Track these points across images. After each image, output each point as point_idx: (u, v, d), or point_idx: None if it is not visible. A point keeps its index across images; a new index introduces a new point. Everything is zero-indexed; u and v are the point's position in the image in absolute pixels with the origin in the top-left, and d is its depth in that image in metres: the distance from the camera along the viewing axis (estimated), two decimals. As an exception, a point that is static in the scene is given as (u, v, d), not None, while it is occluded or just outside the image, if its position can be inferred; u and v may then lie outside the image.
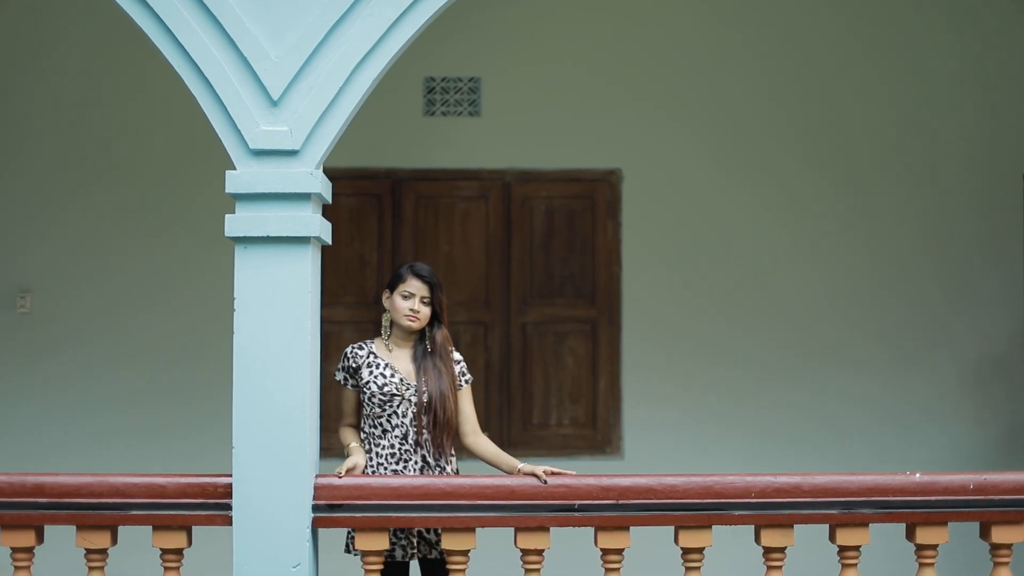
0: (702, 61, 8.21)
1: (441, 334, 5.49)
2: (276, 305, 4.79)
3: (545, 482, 4.86)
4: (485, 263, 7.98)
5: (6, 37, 8.06)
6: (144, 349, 7.99)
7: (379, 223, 8.11)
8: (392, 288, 5.50)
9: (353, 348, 5.51)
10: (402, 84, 8.11)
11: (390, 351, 5.47)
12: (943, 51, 8.28)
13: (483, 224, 8.14)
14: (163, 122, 8.08)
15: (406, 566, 5.45)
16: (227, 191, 4.79)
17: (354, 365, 5.44)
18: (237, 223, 4.78)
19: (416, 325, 5.43)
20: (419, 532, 5.29)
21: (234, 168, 4.81)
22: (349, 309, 7.99)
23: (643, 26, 8.21)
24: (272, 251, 4.79)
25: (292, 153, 4.81)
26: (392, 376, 5.38)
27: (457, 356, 5.54)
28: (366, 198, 8.08)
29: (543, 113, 8.15)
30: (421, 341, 5.50)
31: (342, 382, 5.50)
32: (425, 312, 5.45)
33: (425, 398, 5.35)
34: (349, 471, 5.01)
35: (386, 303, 5.51)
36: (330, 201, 5.07)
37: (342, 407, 5.53)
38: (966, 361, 8.22)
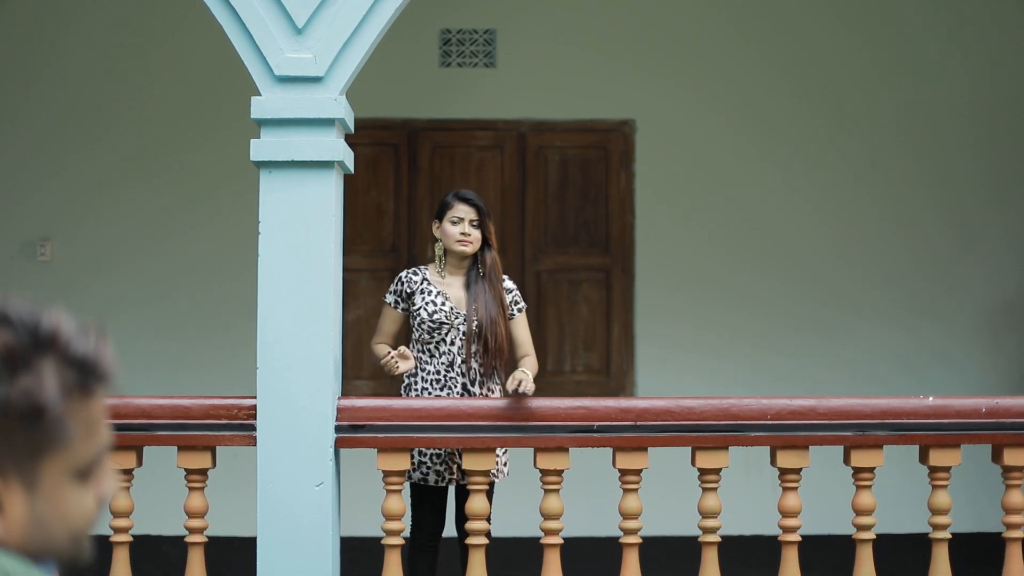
0: (716, 12, 8.27)
1: (491, 256, 5.54)
2: (300, 229, 4.87)
3: (517, 391, 4.95)
4: (500, 212, 8.05)
5: (26, -11, 8.14)
6: (167, 281, 8.04)
7: (395, 172, 8.18)
8: (440, 217, 5.56)
9: (408, 273, 5.57)
10: (418, 36, 8.17)
11: (443, 279, 5.53)
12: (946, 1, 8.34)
13: (498, 174, 8.21)
14: (180, 56, 8.13)
15: (443, 491, 5.54)
16: (252, 117, 4.86)
17: (408, 291, 5.50)
18: (262, 148, 4.86)
19: (469, 249, 5.48)
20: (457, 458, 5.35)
21: (259, 95, 4.90)
22: (366, 258, 8.06)
23: (657, -21, 8.27)
24: (296, 175, 4.88)
25: (316, 79, 4.89)
26: (443, 304, 5.45)
27: (509, 284, 5.61)
28: (383, 148, 8.15)
29: (557, 64, 8.22)
30: (473, 267, 5.56)
31: (392, 305, 5.56)
32: (476, 235, 5.50)
33: (475, 326, 5.42)
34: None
35: (436, 232, 5.58)
36: (352, 130, 5.15)
37: (382, 326, 5.60)
38: (978, 308, 8.28)
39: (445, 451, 5.43)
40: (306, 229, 4.88)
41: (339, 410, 4.90)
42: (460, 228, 5.47)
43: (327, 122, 4.88)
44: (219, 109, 8.00)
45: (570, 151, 8.25)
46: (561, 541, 4.96)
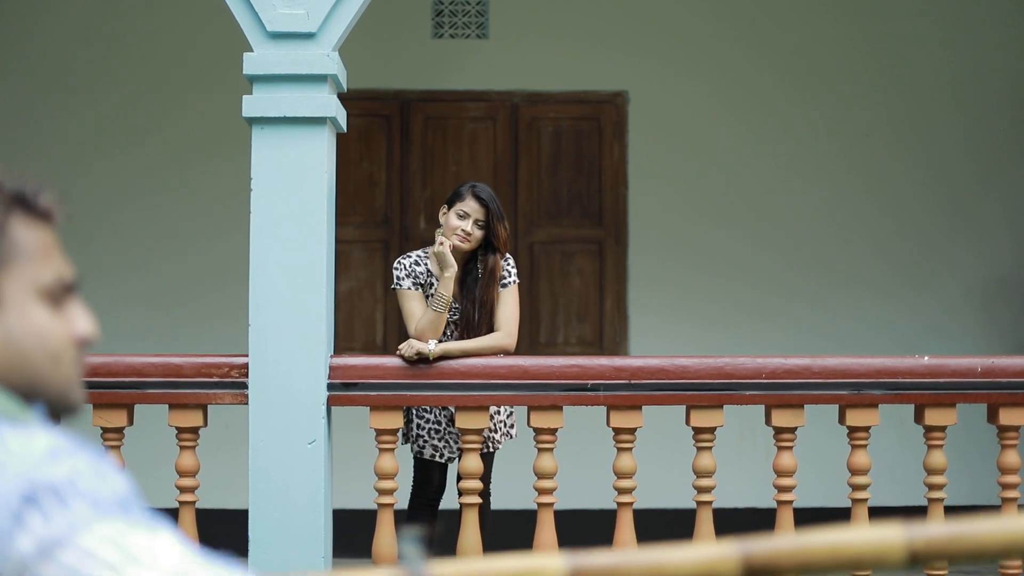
0: (709, -15, 8.25)
1: (493, 261, 5.32)
2: (292, 185, 4.84)
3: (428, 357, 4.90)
4: (493, 184, 8.00)
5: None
6: (156, 245, 7.97)
7: (388, 144, 8.15)
8: (450, 204, 5.36)
9: (414, 265, 5.37)
10: (411, 7, 8.14)
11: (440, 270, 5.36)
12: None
13: (491, 145, 8.18)
14: (170, 13, 8.06)
15: (444, 466, 5.51)
16: (245, 73, 4.83)
17: (422, 282, 5.37)
18: (254, 104, 4.83)
19: (465, 247, 5.28)
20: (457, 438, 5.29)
21: (251, 51, 4.86)
22: (358, 229, 8.03)
23: (650, -49, 8.24)
24: (289, 132, 4.84)
25: (309, 35, 4.86)
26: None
27: (507, 262, 5.43)
28: (375, 119, 8.12)
29: (550, 36, 8.18)
30: (472, 262, 5.39)
31: (412, 288, 5.32)
32: (477, 236, 5.29)
33: (463, 324, 5.32)
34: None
35: (441, 218, 5.37)
36: (345, 88, 5.11)
37: (413, 310, 5.27)
38: (972, 282, 8.26)
39: (445, 427, 5.40)
40: (298, 186, 4.85)
41: (331, 368, 4.87)
42: (463, 224, 5.29)
43: (320, 78, 4.85)
44: (209, 67, 7.93)
45: (563, 123, 8.22)
46: (555, 500, 4.94)
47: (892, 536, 1.46)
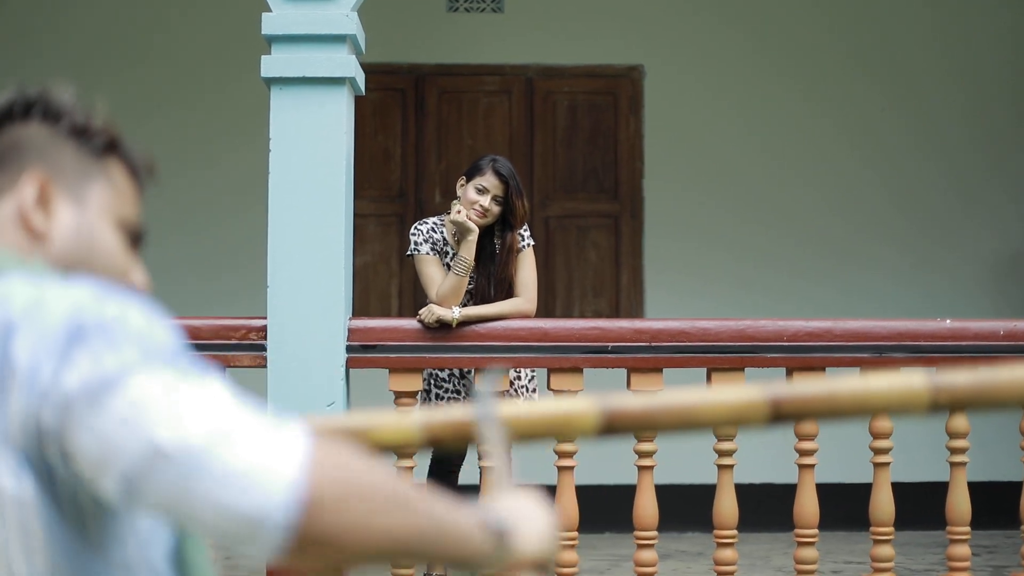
0: (725, -41, 8.22)
1: (511, 238, 5.27)
2: (311, 146, 4.81)
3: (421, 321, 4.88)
4: (508, 158, 7.96)
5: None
6: (177, 217, 7.94)
7: (403, 118, 8.12)
8: (469, 177, 5.30)
9: (431, 231, 5.34)
10: (426, -19, 8.12)
11: (456, 240, 5.31)
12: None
13: (506, 119, 8.15)
14: None
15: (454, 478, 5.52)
16: (263, 33, 4.81)
17: (439, 249, 5.33)
18: (273, 64, 4.81)
19: (481, 222, 5.20)
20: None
21: (269, 11, 4.84)
22: (373, 202, 8.00)
23: (666, -75, 8.21)
24: (307, 92, 4.82)
25: (327, -4, 4.83)
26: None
27: (524, 229, 5.38)
28: (390, 93, 8.09)
29: (565, 9, 8.16)
30: (488, 237, 5.31)
31: (428, 253, 5.28)
32: (494, 212, 5.22)
33: (478, 298, 5.28)
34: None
35: (459, 190, 5.30)
36: (363, 51, 5.08)
37: (432, 276, 5.22)
38: (982, 261, 8.23)
39: (464, 397, 5.38)
40: (317, 146, 4.82)
41: (350, 330, 4.84)
42: (481, 199, 5.22)
43: (339, 38, 4.82)
44: (228, 37, 7.91)
45: (579, 97, 8.19)
46: (575, 463, 4.90)
47: (917, 382, 1.48)
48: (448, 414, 1.58)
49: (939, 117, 8.24)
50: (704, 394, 1.51)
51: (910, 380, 1.49)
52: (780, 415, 1.48)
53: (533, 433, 1.55)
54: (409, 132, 8.11)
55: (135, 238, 1.59)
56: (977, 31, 8.26)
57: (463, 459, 5.52)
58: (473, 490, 5.03)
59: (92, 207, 1.54)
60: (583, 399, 1.54)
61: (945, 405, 1.49)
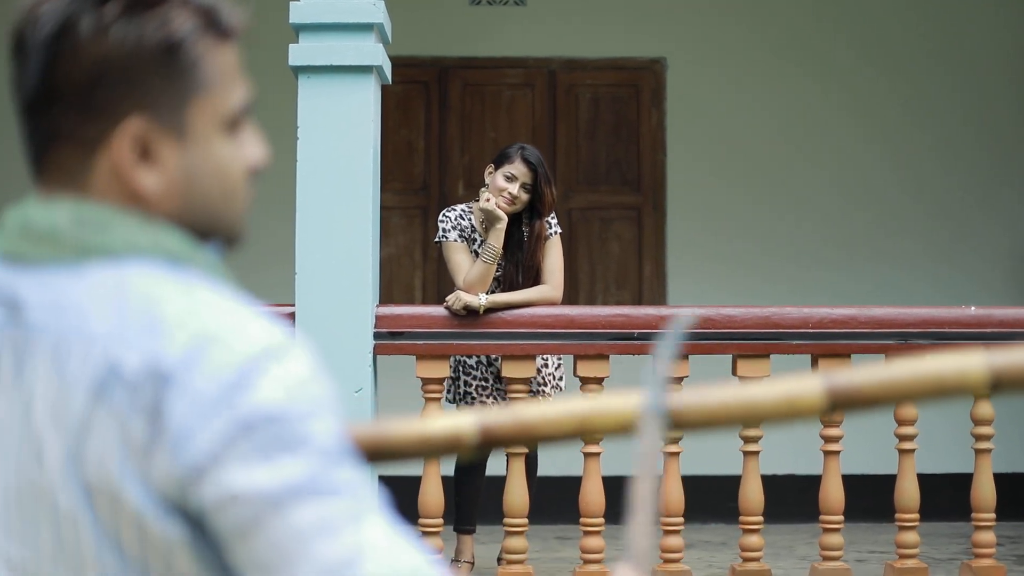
0: (747, -49, 8.23)
1: (539, 226, 5.28)
2: (339, 134, 4.84)
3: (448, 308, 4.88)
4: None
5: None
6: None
7: (426, 110, 8.15)
8: (497, 165, 5.32)
9: (459, 218, 5.36)
10: (449, -26, 8.14)
11: (484, 227, 5.33)
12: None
13: (529, 112, 8.17)
14: None
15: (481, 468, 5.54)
16: (291, 21, 4.84)
17: (467, 236, 5.35)
18: (300, 52, 4.84)
19: (509, 209, 5.21)
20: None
21: (294, 2, 4.87)
22: (397, 195, 8.02)
23: (688, -82, 8.22)
24: (335, 81, 4.85)
25: (354, -15, 4.86)
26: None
27: (551, 217, 5.40)
28: (413, 85, 8.11)
29: (588, 2, 8.17)
30: (515, 225, 5.32)
31: (457, 240, 5.32)
32: (523, 199, 5.24)
33: (505, 285, 5.29)
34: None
35: (487, 178, 5.33)
36: (390, 40, 5.12)
37: (460, 263, 5.25)
38: (998, 255, 8.21)
39: (492, 384, 5.40)
40: (345, 134, 4.85)
41: (378, 317, 4.87)
42: (510, 187, 5.22)
43: (366, 27, 4.85)
44: (256, 18, 7.93)
45: (601, 89, 8.21)
46: (601, 449, 4.92)
47: (975, 363, 1.46)
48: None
49: (948, 117, 8.24)
50: (758, 387, 1.48)
51: (969, 361, 1.47)
52: (837, 404, 1.46)
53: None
54: (432, 125, 8.14)
55: (245, 110, 1.45)
56: (980, 32, 8.26)
57: (489, 451, 5.54)
58: (500, 481, 5.07)
59: (198, 132, 1.38)
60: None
61: (1006, 384, 1.47)
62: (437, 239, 5.41)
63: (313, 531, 1.20)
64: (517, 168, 5.27)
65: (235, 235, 1.44)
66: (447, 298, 4.99)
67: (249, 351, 1.24)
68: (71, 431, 1.25)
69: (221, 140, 1.40)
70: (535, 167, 5.27)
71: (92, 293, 1.29)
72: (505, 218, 5.14)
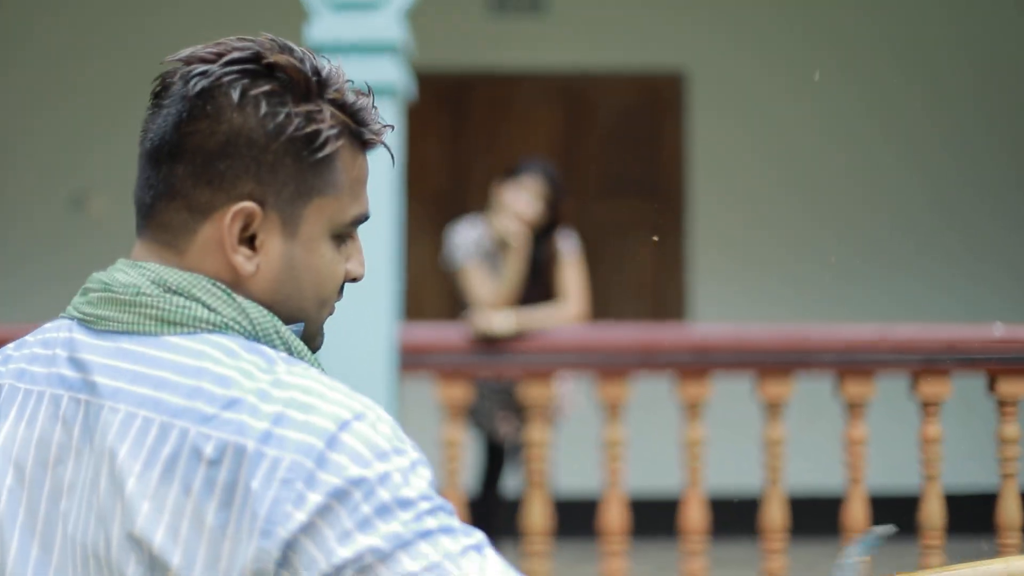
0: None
1: (554, 240, 5.23)
2: (359, 154, 4.80)
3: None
4: (551, 162, 7.97)
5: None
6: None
7: (444, 122, 8.12)
8: (510, 179, 5.28)
9: (468, 232, 5.32)
10: (468, -14, 8.13)
11: (500, 243, 5.27)
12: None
13: (548, 123, 8.14)
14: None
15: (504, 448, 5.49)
16: (308, 43, 4.79)
17: (480, 250, 5.32)
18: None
19: (525, 226, 5.19)
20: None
21: (313, 20, 4.83)
22: (414, 208, 7.98)
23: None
24: (355, 101, 4.80)
25: (373, 4, 4.82)
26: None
27: (567, 233, 5.35)
28: (432, 97, 8.07)
29: (608, 15, 8.15)
30: (532, 239, 5.27)
31: (471, 261, 5.26)
32: (538, 214, 5.21)
33: (520, 300, 5.26)
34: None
35: (499, 194, 5.29)
36: (413, 57, 5.08)
37: (479, 285, 5.20)
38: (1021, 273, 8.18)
39: (508, 402, 5.36)
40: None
41: (399, 337, 4.83)
42: (524, 201, 5.19)
43: (385, 47, 4.81)
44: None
45: (621, 101, 8.18)
46: (624, 468, 4.88)
47: None
48: None
49: (976, 133, 8.22)
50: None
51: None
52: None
53: None
54: (450, 137, 8.11)
55: (358, 224, 1.46)
56: (1013, 52, 8.23)
57: (503, 471, 5.50)
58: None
59: (309, 231, 1.39)
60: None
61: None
62: (451, 263, 5.36)
63: (423, 572, 1.22)
64: (530, 182, 5.24)
65: (311, 337, 1.45)
66: (472, 319, 4.91)
67: (332, 422, 1.26)
68: (139, 509, 1.24)
69: (327, 247, 1.40)
70: (548, 180, 5.25)
71: (171, 365, 1.29)
72: (522, 237, 5.09)
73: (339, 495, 1.23)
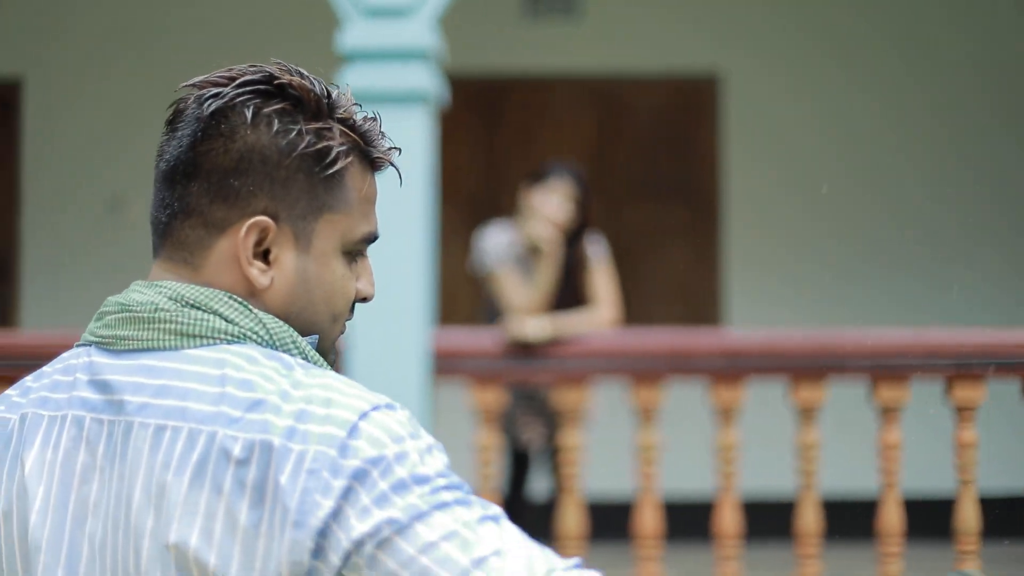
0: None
1: (583, 243, 5.21)
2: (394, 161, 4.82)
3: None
4: (584, 166, 7.98)
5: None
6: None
7: (477, 127, 8.13)
8: (537, 184, 5.26)
9: (498, 238, 5.32)
10: (501, -10, 8.14)
11: (531, 247, 5.26)
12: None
13: (582, 126, 8.15)
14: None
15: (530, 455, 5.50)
16: (339, 50, 4.81)
17: (511, 253, 5.31)
18: (348, 81, 4.81)
19: (555, 230, 5.17)
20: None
21: (345, 27, 4.84)
22: (445, 212, 8.00)
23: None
24: (386, 110, 4.81)
25: (405, 11, 4.83)
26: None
27: (596, 237, 5.34)
28: (464, 101, 8.09)
29: (642, 18, 8.14)
30: (564, 246, 5.26)
31: (503, 265, 5.24)
32: (567, 215, 5.19)
33: (550, 303, 5.25)
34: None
35: (528, 198, 5.28)
36: (445, 63, 5.09)
37: (512, 290, 5.17)
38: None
39: (540, 410, 5.36)
40: (399, 162, 4.82)
41: (433, 342, 4.85)
42: (553, 204, 5.17)
43: (418, 54, 4.82)
44: (301, 46, 7.96)
45: (656, 104, 8.17)
46: (657, 473, 4.88)
47: None
48: None
49: (998, 141, 8.17)
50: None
51: None
52: None
53: None
54: (483, 140, 8.12)
55: (369, 242, 1.50)
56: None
57: (543, 455, 5.50)
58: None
59: (321, 247, 1.44)
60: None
61: None
62: (480, 270, 5.36)
63: (441, 540, 1.26)
64: (558, 185, 5.23)
65: (324, 352, 1.48)
66: (508, 326, 4.89)
67: (352, 413, 1.31)
68: (173, 516, 1.28)
69: (338, 263, 1.45)
70: (576, 184, 5.23)
71: (194, 376, 1.32)
72: (553, 242, 5.09)
73: (359, 476, 1.28)
